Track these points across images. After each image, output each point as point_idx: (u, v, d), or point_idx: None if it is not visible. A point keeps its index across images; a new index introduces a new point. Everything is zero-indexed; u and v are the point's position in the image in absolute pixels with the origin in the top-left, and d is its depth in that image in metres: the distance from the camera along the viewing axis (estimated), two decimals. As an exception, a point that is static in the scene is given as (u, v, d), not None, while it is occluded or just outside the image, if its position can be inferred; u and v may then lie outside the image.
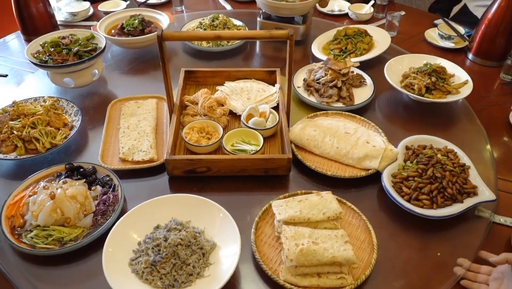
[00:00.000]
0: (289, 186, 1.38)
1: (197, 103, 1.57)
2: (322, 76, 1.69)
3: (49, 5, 2.11)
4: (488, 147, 1.52)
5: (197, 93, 1.59)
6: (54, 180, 1.29)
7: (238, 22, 2.12)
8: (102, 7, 2.36)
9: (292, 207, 1.18)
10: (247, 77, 1.73)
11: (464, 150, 1.39)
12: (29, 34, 2.07)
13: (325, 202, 1.19)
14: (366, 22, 2.32)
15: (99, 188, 1.27)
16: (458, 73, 1.73)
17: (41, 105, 1.52)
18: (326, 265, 1.07)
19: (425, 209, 1.24)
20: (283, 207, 1.19)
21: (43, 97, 1.59)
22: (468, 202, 1.25)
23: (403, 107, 1.72)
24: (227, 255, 1.09)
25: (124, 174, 1.36)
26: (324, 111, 1.60)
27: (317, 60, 1.88)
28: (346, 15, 2.38)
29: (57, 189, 1.22)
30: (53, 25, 2.12)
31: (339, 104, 1.65)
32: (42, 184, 1.26)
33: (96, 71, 1.73)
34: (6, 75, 1.86)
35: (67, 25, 2.25)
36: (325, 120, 1.53)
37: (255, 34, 1.34)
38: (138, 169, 1.37)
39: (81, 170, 1.32)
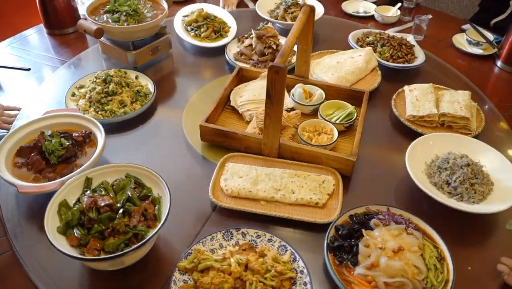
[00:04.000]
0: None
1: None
2: (265, 47, 1.82)
3: (72, -1, 2.06)
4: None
5: (254, 123, 1.46)
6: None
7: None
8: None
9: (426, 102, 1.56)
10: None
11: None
12: (53, 28, 2.11)
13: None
14: (393, 25, 2.32)
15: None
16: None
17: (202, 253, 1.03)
18: None
19: (409, 63, 1.86)
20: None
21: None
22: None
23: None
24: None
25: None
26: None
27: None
28: (372, 17, 2.36)
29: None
30: (76, 19, 2.02)
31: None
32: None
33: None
34: (29, 69, 1.83)
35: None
36: (318, 67, 1.79)
37: (297, 28, 1.37)
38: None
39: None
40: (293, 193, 1.27)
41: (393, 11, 2.33)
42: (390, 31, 2.10)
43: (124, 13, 1.75)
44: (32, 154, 1.28)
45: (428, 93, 1.61)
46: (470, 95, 1.62)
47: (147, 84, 1.69)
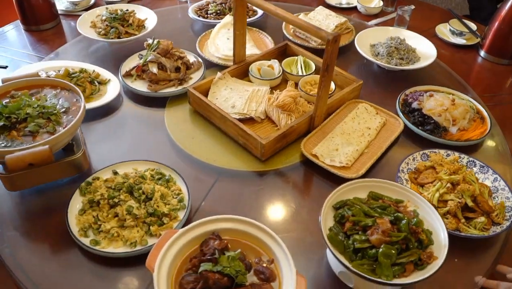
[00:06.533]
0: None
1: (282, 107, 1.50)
2: (175, 60, 1.66)
3: (50, -5, 1.92)
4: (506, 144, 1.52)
5: (281, 114, 1.48)
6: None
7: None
8: None
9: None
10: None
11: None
12: (29, 24, 2.04)
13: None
14: (375, 16, 2.28)
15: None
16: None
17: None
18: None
19: (255, 15, 2.14)
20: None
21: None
22: None
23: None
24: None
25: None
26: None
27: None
28: (355, 8, 2.33)
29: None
30: (53, 15, 2.08)
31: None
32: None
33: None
34: (6, 67, 1.79)
35: (68, 14, 2.18)
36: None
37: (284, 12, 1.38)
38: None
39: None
40: (370, 128, 1.49)
41: (375, 2, 2.31)
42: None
43: (36, 115, 1.19)
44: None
45: (309, 19, 1.97)
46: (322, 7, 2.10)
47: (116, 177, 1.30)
